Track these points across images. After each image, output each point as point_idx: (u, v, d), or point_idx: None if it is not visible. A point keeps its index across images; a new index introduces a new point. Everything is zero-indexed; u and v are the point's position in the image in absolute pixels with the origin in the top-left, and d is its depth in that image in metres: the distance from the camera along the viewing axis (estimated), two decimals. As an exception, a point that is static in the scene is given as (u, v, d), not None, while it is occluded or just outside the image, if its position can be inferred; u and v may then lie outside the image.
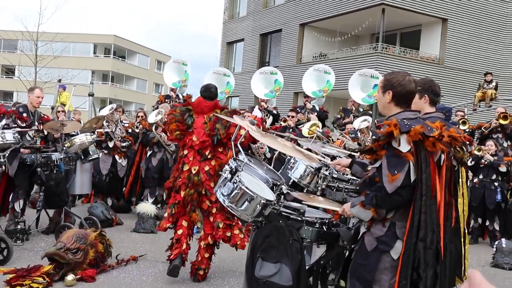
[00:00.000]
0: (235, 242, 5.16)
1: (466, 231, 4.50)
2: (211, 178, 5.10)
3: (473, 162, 8.64)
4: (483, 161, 8.56)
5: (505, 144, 9.19)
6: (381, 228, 2.93)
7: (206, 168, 5.12)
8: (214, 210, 5.18)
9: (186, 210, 5.22)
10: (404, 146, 2.84)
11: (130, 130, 9.13)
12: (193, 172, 5.12)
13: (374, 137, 6.75)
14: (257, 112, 9.07)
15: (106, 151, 8.44)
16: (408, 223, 2.85)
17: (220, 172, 4.98)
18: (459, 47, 21.30)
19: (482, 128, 9.52)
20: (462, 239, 4.34)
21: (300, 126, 9.19)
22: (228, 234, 5.15)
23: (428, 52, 21.64)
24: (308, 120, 9.47)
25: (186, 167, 5.17)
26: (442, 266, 2.92)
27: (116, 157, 8.65)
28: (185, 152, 5.22)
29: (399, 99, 3.04)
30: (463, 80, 20.95)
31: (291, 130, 8.72)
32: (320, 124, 8.53)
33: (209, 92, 5.29)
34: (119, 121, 8.80)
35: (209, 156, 5.15)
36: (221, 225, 5.13)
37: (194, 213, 5.21)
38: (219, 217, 5.15)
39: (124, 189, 9.38)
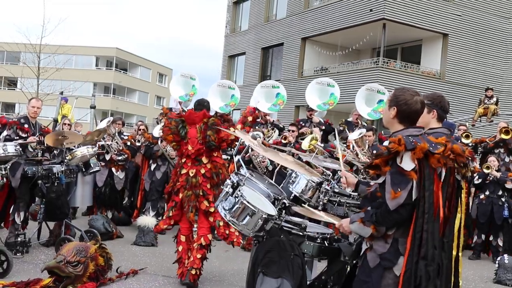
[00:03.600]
0: (232, 239, 5.44)
1: (460, 246, 4.47)
2: (207, 180, 5.46)
3: (480, 180, 8.61)
4: (489, 177, 8.55)
5: (507, 159, 9.16)
6: (384, 245, 2.92)
7: (203, 171, 5.47)
8: (212, 210, 5.42)
9: (183, 211, 5.50)
10: (408, 164, 2.84)
11: (129, 143, 9.11)
12: (191, 174, 5.46)
13: (375, 151, 6.76)
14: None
15: (103, 163, 8.37)
16: (409, 241, 2.85)
17: (216, 174, 5.44)
18: (460, 62, 21.40)
19: (487, 140, 9.51)
20: (460, 253, 4.31)
21: (300, 140, 9.14)
22: (227, 232, 5.43)
23: (429, 67, 21.73)
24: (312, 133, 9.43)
25: (184, 171, 5.51)
26: (441, 281, 2.93)
27: (113, 169, 8.62)
28: (183, 160, 5.58)
29: (403, 117, 3.03)
30: (463, 95, 21.00)
31: (292, 145, 8.71)
32: (319, 138, 8.49)
33: (201, 106, 5.72)
34: (116, 134, 8.80)
35: (205, 162, 5.50)
36: (221, 223, 5.41)
37: (191, 213, 5.47)
38: (218, 215, 5.28)
39: (124, 201, 9.35)
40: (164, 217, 5.77)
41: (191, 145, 5.47)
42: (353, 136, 8.28)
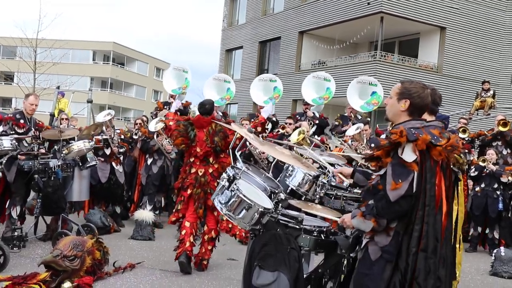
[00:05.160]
0: (235, 232, 6.08)
1: (461, 237, 4.51)
2: (215, 179, 5.81)
3: (476, 172, 8.64)
4: (485, 170, 8.57)
5: (504, 152, 9.18)
6: (386, 238, 2.91)
7: (210, 170, 5.91)
8: None
9: (194, 207, 5.90)
10: (409, 155, 2.84)
11: (122, 137, 9.05)
12: (200, 174, 5.90)
13: (372, 144, 6.75)
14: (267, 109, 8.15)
15: (102, 159, 8.27)
16: (408, 232, 2.86)
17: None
18: (457, 56, 21.39)
19: (486, 132, 9.54)
20: (458, 245, 4.35)
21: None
22: (230, 225, 5.99)
23: (427, 60, 21.72)
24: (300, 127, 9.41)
25: (193, 170, 5.93)
26: (444, 273, 2.93)
27: (113, 164, 8.56)
28: (192, 159, 5.96)
29: (414, 110, 3.03)
30: (461, 88, 21.01)
31: (289, 137, 8.70)
32: (306, 131, 8.47)
33: (204, 109, 5.99)
34: (114, 126, 8.76)
35: (212, 162, 5.94)
36: (224, 218, 5.66)
37: (200, 210, 5.91)
38: None
39: (130, 195, 9.30)
40: (173, 211, 6.17)
41: (200, 148, 5.87)
42: (350, 131, 8.26)
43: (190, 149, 5.93)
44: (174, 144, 6.37)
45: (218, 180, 5.60)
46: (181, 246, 5.82)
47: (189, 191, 5.87)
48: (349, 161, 6.64)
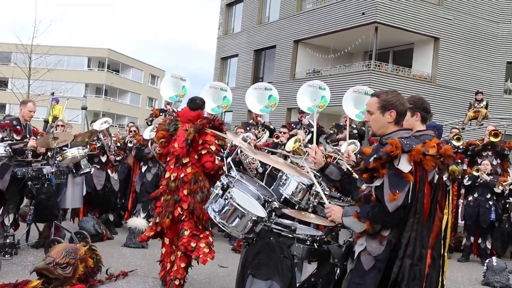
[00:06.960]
0: (198, 254, 5.01)
1: (446, 246, 4.53)
2: (184, 185, 5.13)
3: (470, 182, 8.69)
4: (479, 180, 8.62)
5: (494, 162, 9.25)
6: (379, 247, 2.94)
7: (182, 175, 5.16)
8: (183, 218, 5.14)
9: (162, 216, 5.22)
10: (405, 166, 2.87)
11: (119, 144, 9.08)
12: (172, 179, 5.21)
13: (360, 157, 6.74)
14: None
15: (98, 166, 8.27)
16: (400, 240, 2.88)
17: (194, 180, 5.11)
18: (451, 66, 21.54)
19: (477, 141, 9.60)
20: (446, 254, 4.37)
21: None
22: (193, 244, 5.06)
23: (420, 70, 21.85)
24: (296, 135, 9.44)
25: (167, 174, 5.30)
26: (430, 279, 2.95)
27: (109, 171, 8.54)
28: (168, 159, 5.36)
29: (400, 118, 3.09)
30: (454, 98, 21.15)
31: (283, 146, 8.73)
32: (302, 139, 8.49)
33: (194, 103, 5.44)
34: (111, 134, 8.76)
35: (184, 162, 5.18)
36: (186, 233, 5.08)
37: (167, 219, 5.18)
38: (186, 225, 5.12)
39: (123, 202, 9.27)
40: (150, 224, 5.51)
41: (178, 142, 5.23)
42: (343, 147, 8.23)
43: (169, 145, 5.31)
44: (156, 138, 5.65)
45: (188, 188, 5.06)
46: (162, 268, 5.48)
47: (162, 199, 5.26)
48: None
